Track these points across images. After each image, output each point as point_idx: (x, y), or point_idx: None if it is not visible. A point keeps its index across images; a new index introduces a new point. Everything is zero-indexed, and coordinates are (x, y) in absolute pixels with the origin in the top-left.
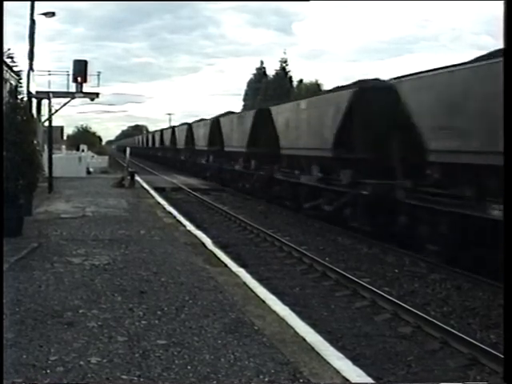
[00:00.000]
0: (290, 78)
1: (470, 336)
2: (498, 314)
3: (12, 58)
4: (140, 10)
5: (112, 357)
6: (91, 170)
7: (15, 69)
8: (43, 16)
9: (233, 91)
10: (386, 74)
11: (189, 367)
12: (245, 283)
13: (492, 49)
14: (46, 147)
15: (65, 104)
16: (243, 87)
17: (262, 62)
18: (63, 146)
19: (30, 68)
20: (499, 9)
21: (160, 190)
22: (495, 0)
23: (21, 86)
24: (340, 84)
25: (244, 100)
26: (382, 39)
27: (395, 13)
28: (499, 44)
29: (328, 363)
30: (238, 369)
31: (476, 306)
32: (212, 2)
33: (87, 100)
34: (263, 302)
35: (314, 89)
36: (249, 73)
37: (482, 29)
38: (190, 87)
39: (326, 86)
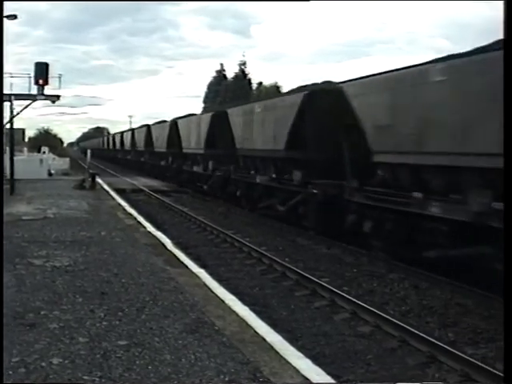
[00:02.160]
0: (249, 80)
1: (428, 334)
2: (455, 312)
3: None
4: (99, 12)
5: (73, 358)
6: (52, 171)
7: None
8: (5, 19)
9: (193, 93)
10: (343, 77)
11: (150, 367)
12: (205, 284)
13: (447, 52)
14: (7, 149)
15: (26, 106)
16: (203, 89)
17: (221, 65)
18: (25, 148)
19: None
20: (456, 12)
21: (121, 192)
22: (452, 0)
23: None
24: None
25: (204, 102)
26: (339, 42)
27: (352, 16)
28: (455, 47)
29: (288, 362)
30: (199, 369)
31: (434, 304)
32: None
33: (48, 102)
34: (223, 302)
35: (274, 91)
36: (209, 75)
37: (438, 32)
38: (150, 89)
39: (285, 89)
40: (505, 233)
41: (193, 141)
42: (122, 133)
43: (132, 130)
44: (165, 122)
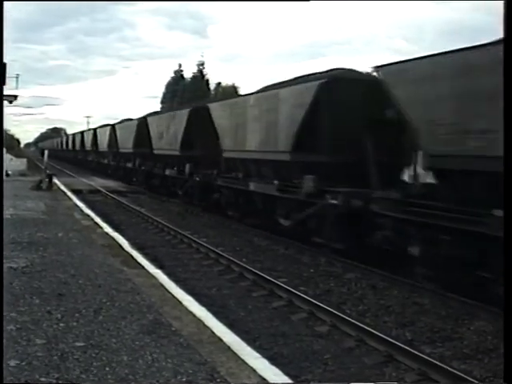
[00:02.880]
0: (207, 80)
1: (385, 334)
2: (412, 311)
3: None
4: (57, 12)
5: (31, 359)
6: (9, 172)
7: None
8: None
9: (150, 94)
10: None
11: (107, 369)
12: (162, 285)
13: (404, 53)
14: None
15: None
16: (161, 90)
17: (180, 65)
18: None
19: None
20: (415, 13)
21: (78, 193)
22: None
23: None
24: (255, 87)
25: (162, 102)
26: (297, 43)
27: (310, 17)
28: (413, 48)
29: (245, 363)
30: (156, 370)
31: (391, 304)
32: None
33: (5, 102)
34: (180, 303)
35: (231, 92)
36: (166, 75)
37: (396, 33)
38: (107, 90)
39: (243, 89)
40: (505, 235)
41: (166, 141)
42: (82, 133)
43: (94, 129)
44: (131, 120)
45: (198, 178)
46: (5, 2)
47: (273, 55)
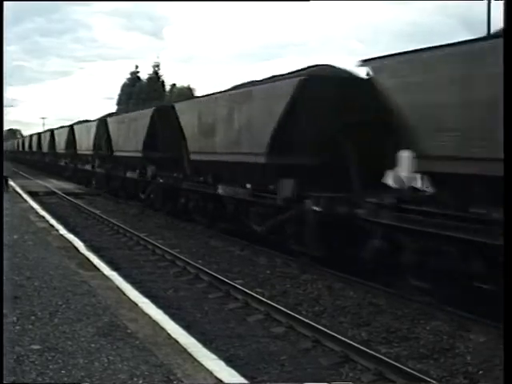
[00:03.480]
0: (163, 82)
1: (341, 334)
2: (368, 312)
3: None
4: (12, 12)
5: None
6: None
7: None
8: None
9: (106, 95)
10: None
11: (63, 371)
12: (118, 287)
13: (360, 54)
14: None
15: None
16: (116, 91)
17: (136, 67)
18: None
19: None
20: (371, 14)
21: (33, 195)
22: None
23: None
24: (212, 89)
25: (118, 104)
26: (253, 44)
27: (265, 18)
28: (368, 50)
29: (201, 364)
30: (112, 372)
31: (347, 304)
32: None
33: None
34: (136, 305)
35: (186, 93)
36: (122, 77)
37: (351, 34)
38: (63, 91)
39: (199, 91)
40: (505, 236)
41: (127, 142)
42: (38, 134)
43: (51, 130)
44: (90, 121)
45: (161, 181)
46: (5, 2)
47: (229, 56)
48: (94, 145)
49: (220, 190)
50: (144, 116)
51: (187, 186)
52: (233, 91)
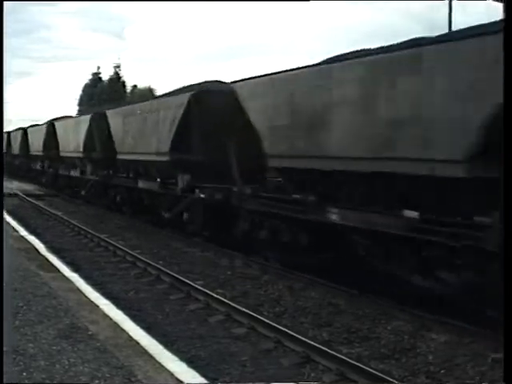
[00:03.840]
0: (124, 82)
1: (302, 335)
2: (328, 312)
3: None
4: None
5: None
6: None
7: None
8: None
9: (68, 96)
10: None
11: (24, 374)
12: (78, 288)
13: (322, 55)
14: None
15: None
16: (78, 92)
17: (98, 67)
18: None
19: None
20: (329, 15)
21: None
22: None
23: None
24: (171, 88)
25: (79, 105)
26: (214, 45)
27: (226, 19)
28: (328, 49)
29: (162, 366)
30: (73, 374)
31: (308, 305)
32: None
33: None
34: (97, 306)
35: (147, 94)
36: (84, 78)
37: (312, 35)
38: (24, 92)
39: (160, 91)
40: (505, 238)
41: (71, 144)
42: (8, 133)
43: (24, 129)
44: (40, 124)
45: (97, 178)
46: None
47: (191, 57)
48: (44, 146)
49: (139, 184)
50: (84, 121)
51: (115, 182)
52: (145, 103)
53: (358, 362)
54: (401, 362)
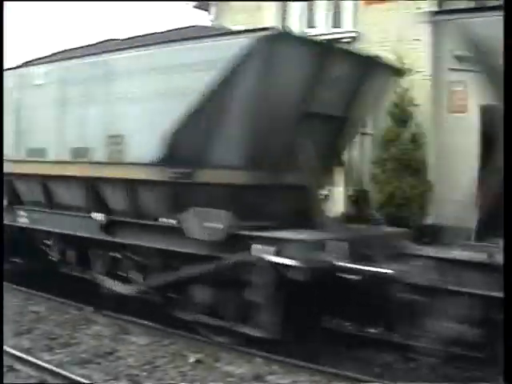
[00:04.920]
0: None
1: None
2: (29, 319)
3: None
4: None
5: None
6: None
7: None
8: None
9: None
10: None
11: None
12: None
13: None
14: None
15: None
16: None
17: None
18: None
19: None
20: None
21: None
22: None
23: None
24: None
25: None
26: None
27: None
28: None
29: None
30: None
31: (8, 312)
32: None
33: None
34: None
35: None
36: None
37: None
38: None
39: None
40: (505, 238)
41: None
42: None
43: None
44: None
45: None
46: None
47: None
48: None
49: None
50: None
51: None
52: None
53: (58, 368)
54: (102, 366)
